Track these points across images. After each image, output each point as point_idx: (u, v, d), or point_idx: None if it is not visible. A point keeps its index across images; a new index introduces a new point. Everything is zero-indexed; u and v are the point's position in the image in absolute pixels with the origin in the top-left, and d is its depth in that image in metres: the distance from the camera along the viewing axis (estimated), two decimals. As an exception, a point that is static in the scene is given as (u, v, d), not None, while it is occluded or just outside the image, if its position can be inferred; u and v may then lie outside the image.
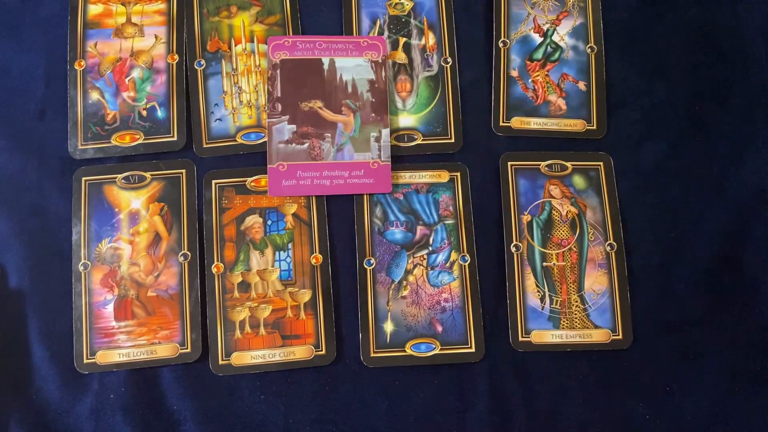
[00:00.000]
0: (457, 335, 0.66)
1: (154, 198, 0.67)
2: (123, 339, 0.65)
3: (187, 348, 0.65)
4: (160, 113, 0.69)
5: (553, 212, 0.69)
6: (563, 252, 0.69)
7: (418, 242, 0.68)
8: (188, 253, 0.66)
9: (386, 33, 0.72)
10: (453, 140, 0.70)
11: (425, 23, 0.72)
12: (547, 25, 0.73)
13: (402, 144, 0.70)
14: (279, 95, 0.68)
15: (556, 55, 0.73)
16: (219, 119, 0.69)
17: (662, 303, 0.68)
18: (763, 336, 0.68)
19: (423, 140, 0.70)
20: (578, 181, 0.70)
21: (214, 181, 0.68)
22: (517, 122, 0.71)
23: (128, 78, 0.69)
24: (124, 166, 0.68)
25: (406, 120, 0.70)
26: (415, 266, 0.67)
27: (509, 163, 0.70)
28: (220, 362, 0.65)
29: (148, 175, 0.68)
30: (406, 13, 0.73)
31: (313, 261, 0.67)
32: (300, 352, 0.65)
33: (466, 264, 0.67)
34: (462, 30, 0.73)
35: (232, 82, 0.70)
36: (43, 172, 0.68)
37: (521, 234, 0.68)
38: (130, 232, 0.67)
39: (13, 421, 0.64)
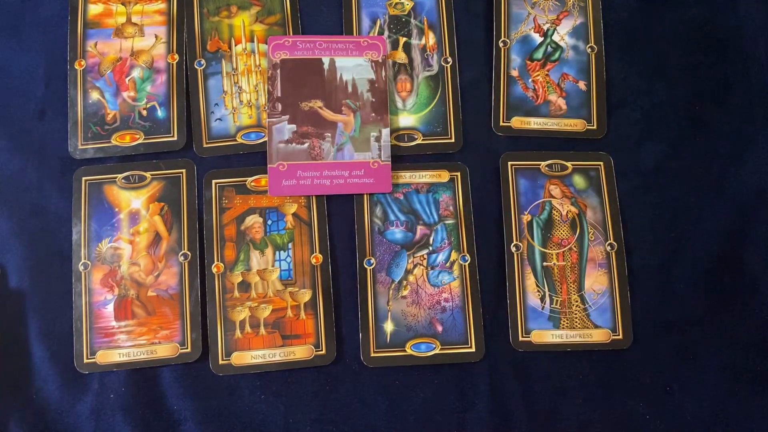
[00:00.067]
0: (457, 335, 0.66)
1: (154, 198, 0.67)
2: (123, 339, 0.65)
3: (187, 348, 0.65)
4: (160, 113, 0.69)
5: (554, 212, 0.69)
6: (563, 252, 0.68)
7: (419, 242, 0.68)
8: (188, 252, 0.66)
9: (386, 33, 0.72)
10: (453, 140, 0.70)
11: (425, 23, 0.72)
12: (548, 25, 0.73)
13: (402, 144, 0.70)
14: (279, 95, 0.68)
15: (557, 55, 0.73)
16: (219, 119, 0.69)
17: (662, 303, 0.68)
18: (763, 336, 0.68)
19: (423, 140, 0.70)
20: (578, 180, 0.70)
21: (214, 181, 0.68)
22: (518, 122, 0.71)
23: (128, 78, 0.69)
24: (124, 165, 0.68)
25: (407, 120, 0.70)
26: (415, 266, 0.67)
27: (509, 163, 0.70)
28: (220, 362, 0.65)
29: (148, 174, 0.68)
30: (406, 12, 0.73)
31: (313, 261, 0.67)
32: (300, 352, 0.65)
33: (466, 264, 0.67)
34: (462, 30, 0.73)
35: (232, 81, 0.70)
36: (43, 172, 0.68)
37: (521, 234, 0.68)
38: (130, 231, 0.67)
39: (13, 421, 0.64)
